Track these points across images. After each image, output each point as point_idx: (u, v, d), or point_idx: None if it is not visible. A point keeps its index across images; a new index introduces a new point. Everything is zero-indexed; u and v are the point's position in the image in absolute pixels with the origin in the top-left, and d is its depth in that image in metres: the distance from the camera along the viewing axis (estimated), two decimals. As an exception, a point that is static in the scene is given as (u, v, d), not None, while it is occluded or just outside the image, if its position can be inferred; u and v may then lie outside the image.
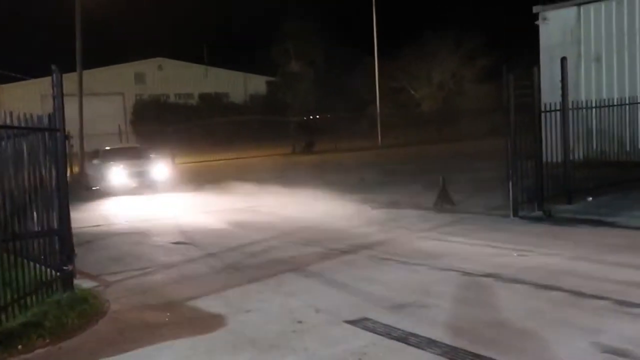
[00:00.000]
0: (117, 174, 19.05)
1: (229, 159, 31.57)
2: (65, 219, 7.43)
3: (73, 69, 28.81)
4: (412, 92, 51.02)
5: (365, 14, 44.61)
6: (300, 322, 6.11)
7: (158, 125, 39.70)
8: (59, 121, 7.30)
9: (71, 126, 28.66)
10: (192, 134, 36.26)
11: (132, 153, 20.55)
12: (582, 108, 12.99)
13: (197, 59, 56.05)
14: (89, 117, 31.43)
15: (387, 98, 46.63)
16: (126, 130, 38.57)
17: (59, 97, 7.27)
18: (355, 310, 6.35)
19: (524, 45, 38.62)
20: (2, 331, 5.88)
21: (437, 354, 5.11)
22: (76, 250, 8.03)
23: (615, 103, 13.71)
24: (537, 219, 11.32)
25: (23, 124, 6.70)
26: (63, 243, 7.42)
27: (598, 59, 18.93)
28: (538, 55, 21.29)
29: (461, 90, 50.40)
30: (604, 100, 13.86)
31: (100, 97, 41.74)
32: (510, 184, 11.95)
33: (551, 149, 12.34)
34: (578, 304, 6.29)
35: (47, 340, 5.86)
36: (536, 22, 20.43)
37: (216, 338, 5.88)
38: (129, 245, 10.96)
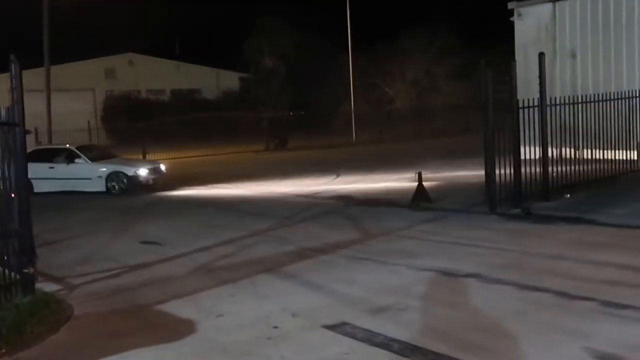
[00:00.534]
0: None
1: (202, 156, 31.04)
2: (25, 219, 7.01)
3: (41, 64, 28.11)
4: (386, 89, 50.91)
5: (338, 10, 44.30)
6: (275, 327, 5.79)
7: (129, 121, 38.99)
8: (18, 115, 6.88)
9: (40, 122, 28.14)
10: (164, 131, 35.58)
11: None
12: (560, 104, 12.82)
13: (169, 55, 55.27)
14: (59, 114, 30.73)
15: (360, 95, 46.42)
16: (96, 126, 37.73)
17: (17, 89, 6.85)
18: (333, 314, 6.05)
19: (498, 42, 38.78)
20: (-46, 340, 5.48)
21: (422, 362, 4.84)
22: (38, 251, 7.61)
23: (592, 99, 13.57)
24: (516, 217, 11.12)
25: (-23, 118, 6.28)
26: (23, 244, 7.00)
27: (573, 55, 18.86)
28: (512, 51, 21.21)
29: (435, 87, 50.41)
30: (582, 96, 13.71)
31: (70, 92, 40.90)
32: (489, 181, 11.79)
33: (529, 146, 12.15)
34: (564, 305, 6.07)
35: (3, 351, 5.46)
36: (511, 19, 20.31)
37: (185, 345, 5.54)
38: (96, 245, 10.52)
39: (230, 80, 56.04)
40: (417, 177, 13.47)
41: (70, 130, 30.73)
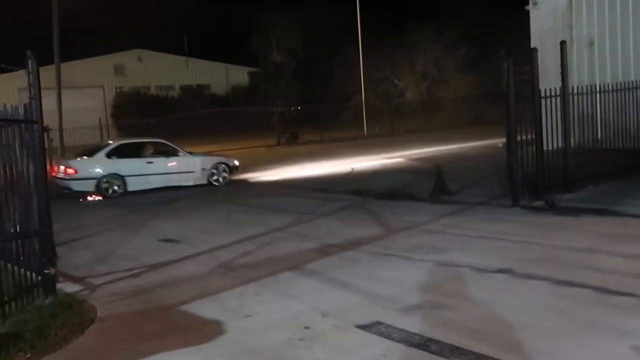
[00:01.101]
0: None
1: (215, 151, 30.88)
2: (45, 218, 6.85)
3: (51, 62, 27.99)
4: (396, 82, 50.59)
5: (347, 3, 43.95)
6: (307, 328, 5.60)
7: (139, 117, 38.87)
8: (36, 112, 6.71)
9: (50, 120, 27.99)
10: (175, 126, 35.44)
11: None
12: (583, 93, 12.56)
13: (178, 50, 55.13)
14: (69, 111, 30.66)
15: (369, 88, 46.15)
16: (107, 123, 37.62)
17: (35, 85, 6.67)
18: (365, 314, 5.86)
19: (507, 32, 38.41)
20: (-23, 345, 5.32)
21: (464, 363, 4.64)
22: (58, 251, 7.45)
23: (616, 88, 13.29)
24: (539, 209, 10.89)
25: (-4, 116, 6.12)
26: (43, 245, 6.84)
27: (591, 44, 18.51)
28: (524, 41, 20.89)
29: (444, 79, 50.06)
30: (605, 85, 13.43)
31: (80, 90, 40.86)
32: (511, 172, 11.55)
33: (551, 136, 11.90)
34: (604, 301, 5.85)
35: (28, 355, 5.28)
36: (526, 7, 19.98)
37: (214, 348, 5.36)
38: (113, 244, 10.36)
39: (239, 75, 55.90)
40: (435, 170, 13.28)
41: (81, 127, 30.68)
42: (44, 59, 27.70)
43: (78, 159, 17.45)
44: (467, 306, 5.96)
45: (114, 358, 5.29)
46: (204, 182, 17.79)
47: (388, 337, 5.24)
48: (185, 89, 53.46)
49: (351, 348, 5.09)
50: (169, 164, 17.53)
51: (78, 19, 38.83)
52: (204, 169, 17.84)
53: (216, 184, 17.84)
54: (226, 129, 36.97)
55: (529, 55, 11.51)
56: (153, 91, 52.86)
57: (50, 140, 24.25)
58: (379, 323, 5.57)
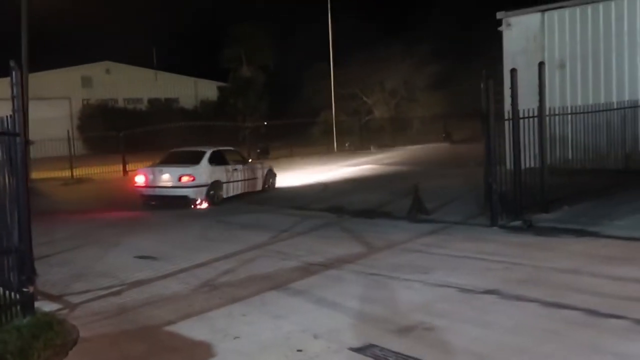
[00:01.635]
0: None
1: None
2: (25, 234, 6.62)
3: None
4: (364, 99, 50.88)
5: (316, 20, 44.11)
6: (300, 350, 5.49)
7: (106, 130, 38.31)
8: (19, 125, 6.51)
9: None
10: (143, 140, 35.00)
11: None
12: (559, 114, 12.73)
13: (147, 63, 54.63)
14: (34, 122, 30.01)
15: (338, 105, 46.34)
16: (72, 135, 36.98)
17: (19, 97, 6.49)
18: (358, 335, 5.77)
19: (478, 53, 39.00)
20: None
21: (463, 387, 4.58)
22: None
23: (591, 110, 13.52)
24: (518, 229, 10.96)
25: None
26: (23, 262, 6.61)
27: (562, 66, 18.86)
28: (495, 62, 21.20)
29: (413, 97, 50.53)
30: (577, 107, 13.66)
31: (46, 101, 40.11)
32: (489, 192, 11.61)
33: (527, 156, 12.00)
34: (596, 324, 5.86)
35: (11, 378, 5.08)
36: (499, 28, 20.27)
37: (206, 371, 5.22)
38: (89, 260, 10.10)
39: (208, 89, 55.65)
40: (414, 189, 13.28)
41: (48, 139, 30.07)
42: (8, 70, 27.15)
43: (175, 166, 16.73)
44: (460, 328, 5.92)
45: (102, 382, 5.11)
46: (261, 188, 18.62)
47: (385, 360, 5.16)
48: (153, 102, 52.97)
49: (349, 372, 5.00)
50: (245, 171, 18.09)
51: (46, 29, 38.27)
52: (262, 175, 18.78)
53: (267, 188, 18.85)
54: (196, 143, 36.60)
55: (510, 76, 11.60)
56: (121, 104, 52.25)
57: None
58: (373, 345, 5.49)
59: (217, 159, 17.20)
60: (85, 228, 13.76)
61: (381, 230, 11.55)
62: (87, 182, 26.18)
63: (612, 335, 5.54)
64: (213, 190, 16.50)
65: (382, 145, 40.19)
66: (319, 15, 41.71)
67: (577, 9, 18.49)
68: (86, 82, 51.08)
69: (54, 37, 46.43)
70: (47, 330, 6.12)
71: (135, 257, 10.22)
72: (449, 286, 7.40)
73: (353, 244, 10.41)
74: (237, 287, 7.90)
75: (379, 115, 49.51)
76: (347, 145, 40.08)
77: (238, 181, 17.59)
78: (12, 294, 6.57)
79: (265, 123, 40.04)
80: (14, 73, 6.42)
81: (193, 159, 16.90)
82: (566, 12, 18.73)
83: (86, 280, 8.69)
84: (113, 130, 33.57)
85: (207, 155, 17.04)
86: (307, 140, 40.63)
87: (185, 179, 16.20)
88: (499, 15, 20.01)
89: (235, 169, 17.57)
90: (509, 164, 11.84)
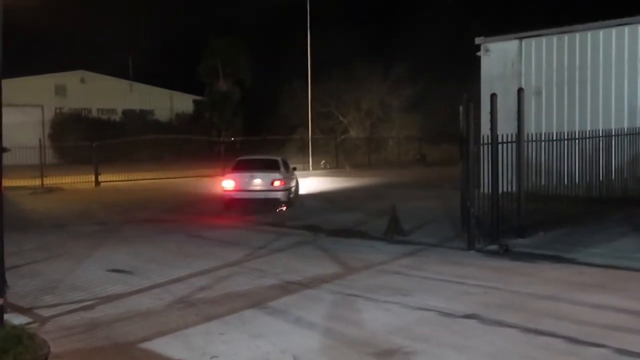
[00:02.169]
0: None
1: (160, 179, 30.18)
2: (-4, 244, 6.42)
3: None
4: (341, 118, 51.06)
5: (294, 36, 44.26)
6: (279, 372, 5.38)
7: (78, 140, 37.88)
8: (-5, 132, 6.32)
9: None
10: (117, 151, 34.64)
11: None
12: (537, 140, 12.84)
13: (122, 74, 54.23)
14: (5, 129, 29.48)
15: (315, 122, 46.45)
16: (44, 144, 36.44)
17: (-3, 104, 6.30)
18: (337, 357, 5.68)
19: (453, 77, 39.44)
20: None
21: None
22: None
23: (568, 137, 13.67)
24: (494, 253, 10.96)
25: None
26: (-7, 273, 6.40)
27: (538, 93, 19.12)
28: (472, 86, 21.41)
29: (389, 118, 50.85)
30: (551, 134, 13.81)
31: (17, 108, 39.45)
32: (466, 216, 11.63)
33: (502, 181, 12.05)
34: (577, 352, 5.84)
35: (-21, 395, 4.88)
36: (477, 54, 20.50)
37: (183, 391, 5.07)
38: (60, 272, 9.86)
39: (184, 102, 55.43)
40: (391, 209, 13.26)
41: (18, 147, 29.51)
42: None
43: (265, 172, 18.04)
44: (442, 352, 5.85)
45: (75, 400, 4.93)
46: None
47: (367, 384, 5.07)
48: (128, 113, 52.54)
49: (331, 395, 4.89)
50: (294, 178, 19.70)
51: (21, 35, 37.78)
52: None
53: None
54: (170, 156, 36.38)
55: (490, 101, 11.67)
56: (95, 114, 51.72)
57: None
58: (355, 369, 5.40)
59: (285, 166, 18.94)
60: (56, 239, 13.46)
61: (358, 250, 11.49)
62: (57, 192, 25.76)
63: (594, 364, 5.53)
64: (292, 193, 18.63)
65: (358, 165, 40.30)
66: (297, 32, 41.83)
67: (554, 38, 18.80)
68: (60, 90, 50.50)
69: (28, 43, 45.87)
70: (17, 344, 5.91)
71: (108, 270, 10.01)
72: (428, 309, 7.34)
73: (330, 263, 10.33)
74: (213, 304, 7.75)
75: (355, 135, 49.70)
76: (322, 163, 40.08)
77: (294, 186, 19.44)
78: (-19, 305, 6.34)
79: (234, 138, 39.85)
80: (-7, 79, 6.23)
81: (271, 166, 18.49)
82: (543, 39, 19.04)
83: (57, 293, 8.47)
84: (86, 140, 33.17)
85: (281, 162, 18.89)
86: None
87: (277, 183, 17.82)
88: (477, 40, 20.26)
89: (292, 176, 19.31)
90: (484, 187, 11.90)
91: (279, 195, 17.72)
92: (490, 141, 11.74)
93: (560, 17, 24.03)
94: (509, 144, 12.13)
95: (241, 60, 53.88)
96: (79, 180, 28.18)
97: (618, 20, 17.64)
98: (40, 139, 30.51)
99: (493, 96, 11.83)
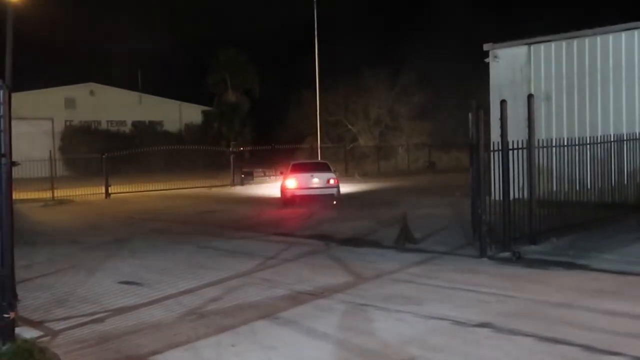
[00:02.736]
0: None
1: (173, 189, 30.15)
2: (7, 258, 6.41)
3: None
4: (349, 126, 51.06)
5: (302, 45, 44.31)
6: (294, 384, 5.31)
7: (88, 152, 38.03)
8: (5, 145, 6.33)
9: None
10: (126, 163, 34.73)
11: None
12: (547, 146, 12.75)
13: (131, 86, 54.47)
14: (16, 142, 29.65)
15: (323, 131, 46.45)
16: (54, 156, 36.66)
17: (5, 117, 6.31)
18: (352, 369, 5.60)
19: (462, 83, 39.37)
20: None
21: None
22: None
23: (579, 143, 13.57)
24: (507, 261, 10.87)
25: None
26: (4, 286, 6.38)
27: (548, 99, 19.00)
28: (480, 92, 21.35)
29: (398, 126, 50.78)
30: (569, 139, 13.70)
31: (28, 121, 39.69)
32: (478, 223, 11.54)
33: (515, 188, 11.97)
34: (595, 360, 5.75)
35: (-10, 410, 4.85)
36: (486, 60, 20.43)
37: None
38: (70, 285, 9.85)
39: (192, 113, 55.58)
40: (402, 217, 13.19)
41: (29, 160, 29.65)
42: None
43: (321, 172, 21.90)
44: (457, 363, 5.78)
45: (86, 415, 4.89)
46: None
47: (382, 396, 5.00)
48: (137, 125, 52.72)
49: (345, 408, 4.83)
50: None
51: (31, 49, 38.05)
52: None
53: None
54: (179, 167, 36.43)
55: (500, 107, 11.60)
56: (104, 126, 51.93)
57: None
58: (368, 380, 5.33)
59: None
60: (67, 251, 13.46)
61: (370, 259, 11.41)
62: (68, 204, 25.84)
63: (612, 372, 5.44)
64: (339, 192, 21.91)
65: (367, 173, 40.20)
66: (305, 41, 41.87)
67: (563, 43, 18.70)
68: (69, 103, 50.74)
69: (38, 57, 46.22)
70: (28, 358, 5.90)
71: (119, 282, 9.99)
72: (441, 318, 7.27)
73: (342, 272, 10.26)
74: (224, 315, 7.71)
75: (364, 143, 49.65)
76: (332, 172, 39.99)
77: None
78: (-8, 319, 6.33)
79: (243, 148, 39.86)
80: (0, 92, 6.25)
81: (325, 168, 22.60)
82: (552, 45, 18.93)
83: (67, 306, 8.46)
84: (96, 152, 33.28)
85: (329, 164, 23.23)
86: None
87: (332, 181, 21.56)
88: (485, 47, 20.19)
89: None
90: (495, 194, 11.81)
91: (333, 191, 21.39)
92: (500, 148, 11.67)
93: (569, 22, 23.89)
94: (520, 150, 12.06)
95: (249, 70, 54.06)
96: (89, 192, 28.25)
97: (627, 25, 17.52)
98: (50, 152, 30.64)
99: (502, 102, 11.76)
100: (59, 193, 27.81)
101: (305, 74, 42.90)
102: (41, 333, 7.11)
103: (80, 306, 8.38)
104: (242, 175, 34.48)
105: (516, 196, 11.95)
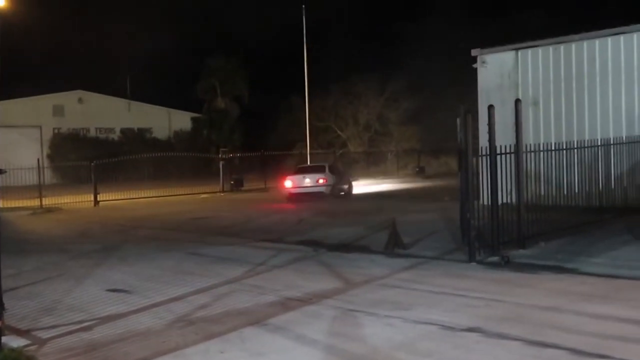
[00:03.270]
0: None
1: (161, 197, 30.10)
2: (-6, 266, 6.37)
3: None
4: (339, 132, 51.16)
5: (291, 52, 44.37)
6: (283, 391, 5.30)
7: (77, 159, 37.86)
8: (-8, 153, 6.29)
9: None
10: (115, 170, 34.59)
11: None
12: (536, 151, 12.81)
13: (120, 93, 54.35)
14: (3, 150, 29.54)
15: (313, 137, 46.51)
16: (42, 164, 36.50)
17: (-8, 125, 6.28)
18: (340, 375, 5.60)
19: (451, 89, 39.53)
20: None
21: None
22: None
23: (566, 147, 13.65)
24: (496, 265, 10.89)
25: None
26: (-10, 295, 6.34)
27: (535, 103, 19.12)
28: (468, 97, 21.43)
29: (387, 131, 50.95)
30: (557, 143, 13.79)
31: (16, 129, 39.53)
32: (466, 228, 11.57)
33: (503, 192, 12.00)
34: (583, 364, 5.77)
35: (-24, 420, 4.81)
36: (474, 65, 20.54)
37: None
38: (58, 293, 9.79)
39: (182, 120, 55.50)
40: (391, 223, 13.21)
41: (17, 168, 29.51)
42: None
43: (313, 173, 26.55)
44: (446, 368, 5.78)
45: None
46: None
47: (371, 401, 5.00)
48: (126, 132, 52.58)
49: (334, 414, 4.82)
50: (344, 177, 28.29)
51: (19, 57, 37.87)
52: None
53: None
54: (169, 174, 36.35)
55: (488, 112, 11.66)
56: (93, 133, 51.75)
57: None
58: (357, 386, 5.33)
59: (332, 170, 27.08)
60: (55, 259, 13.39)
61: (359, 265, 11.41)
62: (56, 212, 25.72)
63: (600, 376, 5.46)
64: (334, 188, 25.98)
65: (356, 179, 40.26)
66: (294, 48, 41.94)
67: (550, 48, 18.83)
68: (58, 110, 50.55)
69: (26, 64, 46.00)
70: (16, 367, 5.85)
71: (107, 290, 9.94)
72: (430, 323, 7.27)
73: (330, 278, 10.25)
74: (213, 322, 7.68)
75: (353, 149, 49.77)
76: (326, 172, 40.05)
77: (343, 185, 27.12)
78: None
79: (233, 155, 39.85)
80: (-12, 99, 6.22)
81: (318, 169, 26.96)
82: (539, 50, 19.07)
83: (55, 314, 8.40)
84: (84, 160, 33.16)
85: (327, 167, 27.23)
86: (281, 172, 40.48)
87: (321, 180, 25.90)
88: (473, 52, 20.29)
89: (342, 178, 27.20)
90: (483, 199, 11.85)
91: (323, 189, 25.50)
92: (488, 152, 11.72)
93: (555, 27, 24.08)
94: (508, 155, 12.12)
95: (239, 77, 54.05)
96: (78, 200, 28.16)
97: (613, 30, 17.68)
98: (38, 159, 30.50)
99: (490, 107, 11.81)
100: (48, 201, 27.70)
101: (295, 80, 42.96)
102: (29, 342, 7.05)
103: (68, 314, 8.33)
104: (232, 182, 34.45)
105: (505, 201, 11.98)
